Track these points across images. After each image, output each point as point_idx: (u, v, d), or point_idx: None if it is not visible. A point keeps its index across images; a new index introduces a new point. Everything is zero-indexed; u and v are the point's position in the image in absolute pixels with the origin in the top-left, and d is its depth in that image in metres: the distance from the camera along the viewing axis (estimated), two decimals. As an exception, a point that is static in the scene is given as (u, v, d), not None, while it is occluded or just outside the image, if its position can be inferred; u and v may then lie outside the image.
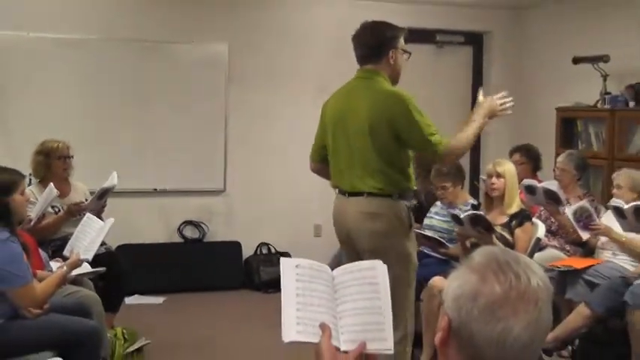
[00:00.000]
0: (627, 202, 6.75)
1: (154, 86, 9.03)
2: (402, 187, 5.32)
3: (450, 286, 1.92)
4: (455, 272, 1.94)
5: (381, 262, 2.59)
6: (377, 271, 2.55)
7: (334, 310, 2.47)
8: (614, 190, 6.98)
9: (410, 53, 5.55)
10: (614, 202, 6.61)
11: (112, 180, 6.96)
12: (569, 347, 6.75)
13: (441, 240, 6.73)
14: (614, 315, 6.31)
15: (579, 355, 6.63)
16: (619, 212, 6.32)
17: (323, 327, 2.38)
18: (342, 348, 2.37)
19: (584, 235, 7.01)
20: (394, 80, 5.56)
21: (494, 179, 6.60)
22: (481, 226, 6.25)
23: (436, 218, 7.06)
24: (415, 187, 5.58)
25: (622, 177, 6.97)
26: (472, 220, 6.29)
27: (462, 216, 6.39)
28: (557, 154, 8.27)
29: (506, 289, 1.82)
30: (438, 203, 7.17)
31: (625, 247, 6.76)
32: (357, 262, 2.64)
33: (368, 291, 2.51)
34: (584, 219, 7.02)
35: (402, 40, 5.50)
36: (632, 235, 6.58)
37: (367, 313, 2.48)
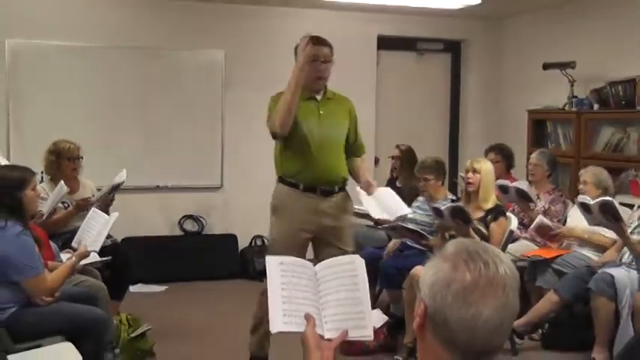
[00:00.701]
0: (592, 197, 6.79)
1: (156, 90, 9.02)
2: (280, 172, 5.58)
3: (426, 274, 1.93)
4: (429, 262, 1.96)
5: (358, 256, 2.68)
6: (355, 264, 2.62)
7: (317, 302, 2.51)
8: (581, 186, 7.03)
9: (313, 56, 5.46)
10: (581, 198, 6.64)
11: (122, 176, 6.98)
12: (540, 330, 6.79)
13: (422, 232, 6.75)
14: (579, 301, 6.39)
15: (548, 337, 6.68)
16: (585, 208, 6.35)
17: (307, 317, 2.43)
18: (326, 336, 2.42)
19: (553, 247, 7.16)
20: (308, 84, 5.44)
21: (470, 174, 6.62)
22: (460, 218, 6.25)
23: (418, 212, 7.03)
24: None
25: (588, 174, 7.02)
26: (452, 211, 6.29)
27: (442, 208, 6.43)
28: (529, 154, 8.33)
29: (476, 276, 1.83)
30: (420, 198, 7.15)
31: (587, 242, 6.85)
32: (337, 257, 2.69)
33: (348, 283, 2.56)
34: (547, 234, 7.10)
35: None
36: (593, 229, 6.65)
37: (348, 303, 2.52)
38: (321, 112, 5.48)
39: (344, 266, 2.62)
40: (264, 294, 5.42)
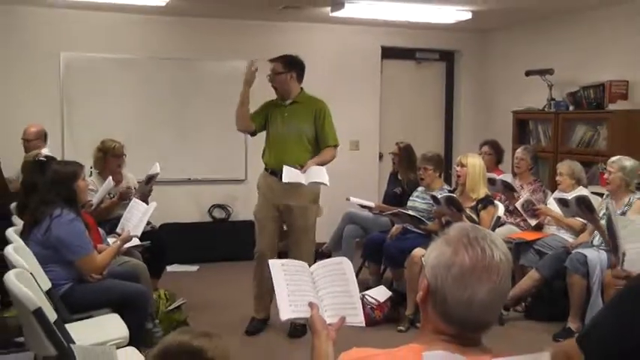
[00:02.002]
0: (568, 187, 6.88)
1: (187, 95, 9.04)
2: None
3: (430, 255, 1.95)
4: (434, 243, 1.97)
5: (346, 258, 2.79)
6: (344, 265, 2.72)
7: (316, 295, 2.61)
8: (558, 177, 7.07)
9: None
10: (559, 194, 6.73)
11: (155, 168, 7.07)
12: (523, 304, 6.82)
13: (421, 218, 6.80)
14: (557, 278, 6.43)
15: (530, 309, 6.72)
16: (563, 202, 6.42)
17: (311, 305, 2.52)
18: (327, 322, 2.51)
19: (532, 222, 7.18)
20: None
21: (459, 168, 6.71)
22: (454, 206, 6.33)
23: (418, 201, 7.05)
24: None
25: (564, 167, 7.06)
26: (447, 200, 6.37)
27: (439, 197, 6.51)
28: (514, 149, 8.34)
29: (474, 261, 1.85)
30: (420, 188, 7.14)
31: (561, 223, 6.90)
32: (329, 259, 2.80)
33: (339, 280, 2.68)
34: (530, 209, 7.18)
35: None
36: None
37: (342, 295, 2.64)
38: (285, 114, 6.17)
39: (335, 266, 2.71)
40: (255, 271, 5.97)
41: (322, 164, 6.04)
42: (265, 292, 6.18)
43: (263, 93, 6.34)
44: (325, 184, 5.88)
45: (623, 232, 4.51)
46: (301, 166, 5.94)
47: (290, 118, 6.13)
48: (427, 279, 1.92)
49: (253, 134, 6.48)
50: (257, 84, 6.16)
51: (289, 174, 5.78)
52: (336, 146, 6.26)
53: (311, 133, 6.15)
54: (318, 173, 5.87)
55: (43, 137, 7.60)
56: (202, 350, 1.80)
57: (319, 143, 6.19)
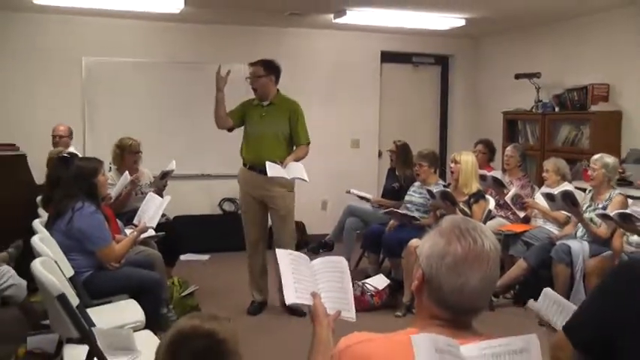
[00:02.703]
0: (553, 182, 6.89)
1: (199, 97, 8.95)
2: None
3: (424, 246, 1.95)
4: (428, 235, 1.98)
5: (344, 258, 2.83)
6: (342, 264, 2.77)
7: (316, 286, 2.63)
8: (544, 174, 7.08)
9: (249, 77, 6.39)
10: (546, 189, 6.75)
11: (172, 165, 7.13)
12: (512, 291, 6.84)
13: (412, 215, 6.82)
14: (543, 267, 6.44)
15: (518, 296, 6.69)
16: (549, 197, 6.43)
17: (314, 294, 2.55)
18: None
19: (521, 214, 7.19)
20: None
21: (453, 165, 6.74)
22: (448, 200, 6.35)
23: (414, 195, 7.07)
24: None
25: (550, 164, 7.07)
26: (442, 194, 6.41)
27: (435, 191, 6.54)
28: (504, 147, 8.38)
29: (467, 251, 1.86)
30: (416, 183, 7.15)
31: (547, 216, 6.90)
32: (329, 257, 2.81)
33: (336, 276, 2.71)
34: (519, 202, 7.20)
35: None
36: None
37: (338, 290, 2.67)
38: (263, 113, 6.26)
39: (334, 263, 2.74)
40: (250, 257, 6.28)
41: (297, 160, 6.15)
42: (260, 277, 6.49)
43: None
44: (305, 181, 5.96)
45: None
46: (281, 162, 6.03)
47: (267, 118, 6.24)
48: (422, 268, 1.92)
49: (230, 130, 6.54)
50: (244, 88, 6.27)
51: (273, 169, 5.87)
52: (308, 144, 6.36)
53: (287, 132, 6.27)
54: (298, 170, 5.98)
55: (71, 135, 7.69)
56: (214, 332, 1.82)
57: (293, 141, 6.31)
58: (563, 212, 6.63)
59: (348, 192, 8.10)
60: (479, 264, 1.86)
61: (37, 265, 3.68)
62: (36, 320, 5.26)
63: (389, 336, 1.88)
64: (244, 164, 6.40)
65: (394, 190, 7.89)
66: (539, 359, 1.81)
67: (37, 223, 5.06)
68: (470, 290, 1.85)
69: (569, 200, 6.17)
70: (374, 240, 7.21)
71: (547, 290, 2.90)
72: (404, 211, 6.91)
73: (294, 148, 6.32)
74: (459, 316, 1.90)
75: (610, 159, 6.35)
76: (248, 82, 6.32)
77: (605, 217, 5.89)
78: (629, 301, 2.37)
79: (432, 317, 1.92)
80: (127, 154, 6.96)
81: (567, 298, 5.95)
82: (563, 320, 2.68)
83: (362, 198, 8.00)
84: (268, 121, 6.23)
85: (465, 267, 1.85)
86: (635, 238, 6.13)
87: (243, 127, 6.46)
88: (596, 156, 6.41)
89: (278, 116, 6.26)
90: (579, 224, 6.36)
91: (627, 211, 5.81)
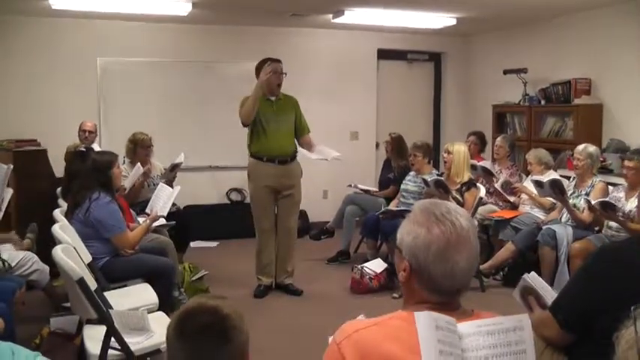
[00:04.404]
0: (538, 172, 6.92)
1: (208, 93, 9.09)
2: (251, 151, 6.45)
3: (405, 238, 1.90)
4: (403, 225, 1.93)
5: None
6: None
7: None
8: (529, 166, 7.13)
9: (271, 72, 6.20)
10: (535, 177, 6.77)
11: (180, 158, 7.15)
12: (501, 273, 6.89)
13: (407, 210, 6.83)
14: (530, 250, 6.48)
15: (507, 278, 6.72)
16: (538, 184, 6.45)
17: None
18: None
19: (511, 198, 7.23)
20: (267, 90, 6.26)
21: (446, 155, 6.79)
22: (442, 188, 6.39)
23: (410, 184, 7.10)
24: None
25: (530, 156, 7.13)
26: (436, 183, 6.45)
27: (429, 180, 6.59)
28: (494, 138, 8.38)
29: (448, 235, 1.82)
30: (412, 173, 7.17)
31: (534, 201, 6.93)
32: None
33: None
34: (508, 188, 7.24)
35: (265, 67, 6.17)
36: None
37: None
38: (275, 108, 6.31)
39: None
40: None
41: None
42: (269, 263, 6.52)
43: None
44: (339, 158, 6.47)
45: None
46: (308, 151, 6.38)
47: (279, 112, 6.33)
48: (408, 260, 1.88)
49: (247, 125, 6.36)
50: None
51: (314, 155, 6.31)
52: (309, 133, 6.57)
53: (293, 124, 6.43)
54: (329, 151, 6.37)
55: (96, 130, 7.77)
56: (219, 308, 1.84)
57: (297, 132, 6.46)
58: (550, 199, 6.67)
59: (350, 186, 8.20)
60: (463, 245, 1.84)
61: (57, 251, 3.70)
62: (58, 303, 5.31)
63: (382, 321, 1.84)
64: (259, 157, 6.38)
65: (390, 180, 7.97)
66: (530, 337, 1.81)
67: (58, 213, 5.11)
68: (459, 272, 1.83)
69: (557, 188, 6.20)
70: (372, 226, 7.23)
71: (532, 274, 2.89)
72: (397, 209, 6.96)
73: (297, 138, 6.48)
74: (449, 297, 1.88)
75: (592, 148, 6.39)
76: (274, 77, 6.24)
77: (590, 206, 5.93)
78: (608, 282, 2.41)
79: (423, 302, 1.88)
80: (139, 148, 6.98)
81: (552, 279, 6.05)
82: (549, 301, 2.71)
83: (365, 191, 8.10)
84: (281, 115, 6.34)
85: (450, 251, 1.82)
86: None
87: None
88: (580, 147, 6.43)
89: (286, 110, 6.38)
90: (564, 210, 6.40)
91: (607, 199, 5.86)
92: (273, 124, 6.28)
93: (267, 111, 6.27)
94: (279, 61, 6.33)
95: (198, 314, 1.83)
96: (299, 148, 6.40)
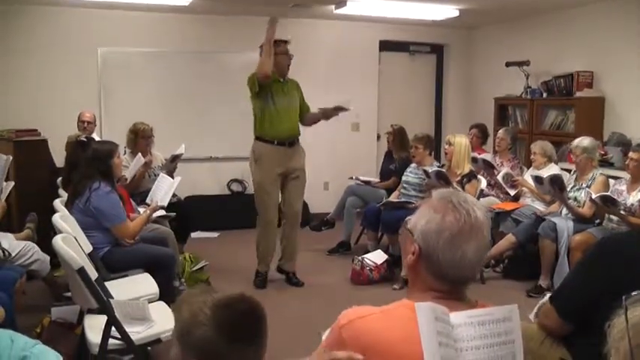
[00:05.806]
0: (540, 164, 6.92)
1: (208, 83, 9.09)
2: (257, 133, 6.45)
3: (418, 222, 1.92)
4: (420, 210, 1.96)
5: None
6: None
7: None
8: (532, 156, 7.13)
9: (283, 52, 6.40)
10: (534, 172, 6.78)
11: (181, 149, 7.16)
12: (501, 265, 6.93)
13: (407, 201, 6.84)
14: (530, 242, 6.49)
15: (507, 269, 6.79)
16: (538, 180, 6.46)
17: None
18: None
19: (512, 192, 7.23)
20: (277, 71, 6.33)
21: (447, 146, 6.81)
22: (443, 180, 6.40)
23: (410, 175, 7.10)
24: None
25: (536, 146, 7.10)
26: (437, 174, 6.46)
27: (430, 171, 6.59)
28: (495, 131, 8.40)
29: (462, 224, 1.84)
30: (413, 165, 7.17)
31: (534, 194, 6.95)
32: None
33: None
34: (509, 180, 7.24)
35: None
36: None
37: None
38: (284, 89, 6.39)
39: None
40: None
41: None
42: (270, 253, 6.54)
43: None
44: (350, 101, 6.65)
45: None
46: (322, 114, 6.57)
47: (288, 93, 6.42)
48: (418, 244, 1.89)
49: (265, 79, 6.15)
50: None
51: (344, 106, 6.45)
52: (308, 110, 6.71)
53: (299, 105, 6.55)
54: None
55: (95, 121, 7.82)
56: (252, 298, 1.87)
57: (302, 109, 6.60)
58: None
59: (352, 178, 8.22)
60: (474, 235, 1.85)
61: (58, 241, 3.71)
62: (59, 292, 5.34)
63: (387, 310, 1.85)
64: (268, 141, 6.36)
65: (391, 171, 7.98)
66: (518, 327, 1.84)
67: (58, 203, 5.11)
68: (467, 261, 1.85)
69: (556, 185, 6.21)
70: (373, 218, 7.24)
71: None
72: (398, 200, 6.97)
73: (301, 118, 6.60)
74: (455, 287, 1.89)
75: (586, 141, 6.38)
76: (283, 58, 6.40)
77: (592, 201, 5.94)
78: (608, 274, 2.43)
79: (429, 289, 1.90)
80: (140, 139, 6.96)
81: (553, 271, 6.08)
82: None
83: (365, 182, 8.11)
84: (291, 96, 6.44)
85: (461, 240, 1.84)
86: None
87: (255, 106, 6.45)
88: (574, 143, 6.45)
89: (294, 91, 6.52)
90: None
91: (608, 193, 5.87)
92: (285, 105, 6.35)
93: (279, 91, 6.34)
94: (287, 42, 6.46)
95: (238, 302, 1.82)
96: (340, 107, 6.46)
